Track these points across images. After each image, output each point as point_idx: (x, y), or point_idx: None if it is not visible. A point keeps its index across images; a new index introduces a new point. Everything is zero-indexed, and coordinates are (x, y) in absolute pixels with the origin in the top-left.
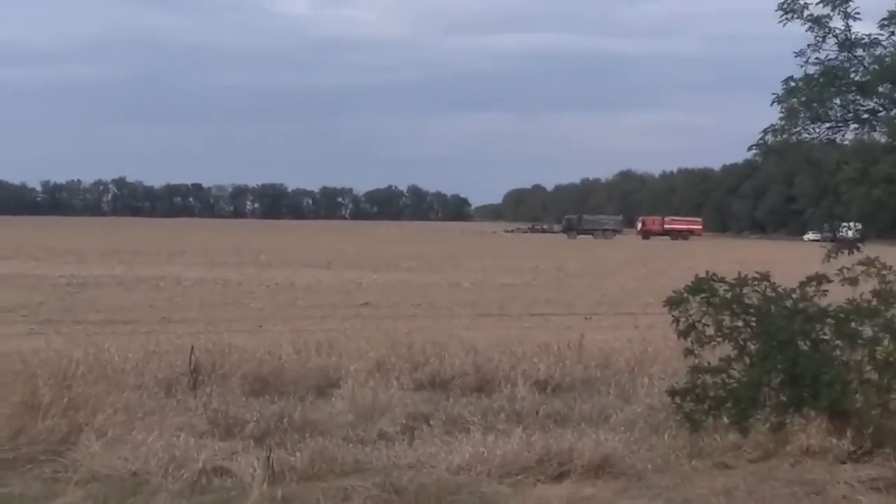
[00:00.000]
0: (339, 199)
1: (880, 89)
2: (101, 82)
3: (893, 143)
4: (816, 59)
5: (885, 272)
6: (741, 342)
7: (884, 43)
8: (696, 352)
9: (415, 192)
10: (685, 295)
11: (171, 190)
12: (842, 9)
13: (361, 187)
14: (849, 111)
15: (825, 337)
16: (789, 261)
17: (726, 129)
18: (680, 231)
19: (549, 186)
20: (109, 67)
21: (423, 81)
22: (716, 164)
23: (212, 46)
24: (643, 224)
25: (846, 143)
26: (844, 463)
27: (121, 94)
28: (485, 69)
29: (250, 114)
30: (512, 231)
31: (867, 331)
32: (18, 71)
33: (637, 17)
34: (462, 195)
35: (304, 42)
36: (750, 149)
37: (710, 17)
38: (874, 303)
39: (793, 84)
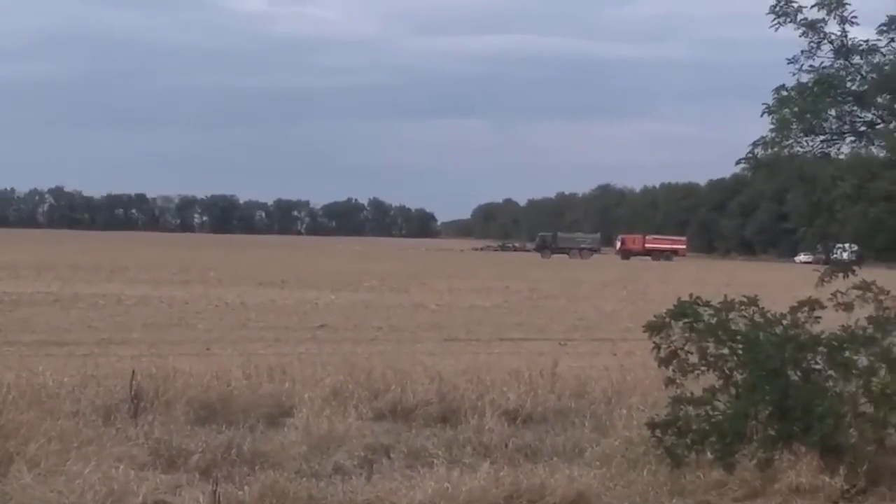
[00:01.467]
0: (295, 213)
1: (878, 100)
2: (37, 82)
3: (892, 157)
4: (811, 66)
5: (882, 297)
6: (727, 371)
7: (882, 50)
8: (678, 381)
9: (377, 205)
10: (667, 320)
11: (112, 201)
12: (838, 13)
13: (319, 200)
14: (845, 123)
15: (817, 366)
16: (780, 284)
17: (715, 141)
18: (662, 251)
19: (522, 201)
20: (46, 67)
21: (388, 86)
22: (702, 179)
23: (160, 45)
24: (623, 243)
25: (842, 157)
26: (837, 502)
27: (60, 95)
28: (457, 73)
29: (200, 119)
30: (481, 249)
31: (862, 360)
32: None
33: (623, 20)
34: (428, 209)
35: (261, 42)
36: (738, 163)
37: (702, 21)
38: (870, 330)
39: (785, 93)
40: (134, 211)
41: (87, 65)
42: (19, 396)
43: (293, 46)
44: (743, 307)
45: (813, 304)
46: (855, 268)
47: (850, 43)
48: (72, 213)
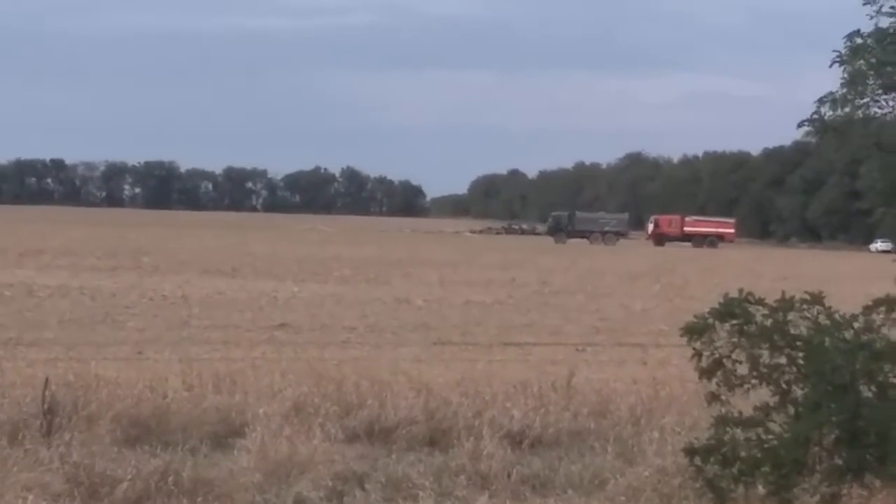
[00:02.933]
0: (250, 185)
1: None
2: None
3: None
4: (892, 7)
5: None
6: (784, 385)
7: None
8: (723, 397)
9: (351, 176)
10: (710, 321)
11: (22, 167)
12: None
13: (279, 169)
14: None
15: None
16: (851, 278)
17: (772, 101)
18: (705, 235)
19: (532, 173)
20: None
21: (369, 29)
22: (755, 148)
23: None
24: (656, 225)
25: None
26: None
27: None
28: (453, 13)
29: (134, 69)
30: (481, 231)
31: None
32: None
33: None
34: (414, 182)
35: None
36: (801, 125)
37: None
38: None
39: (860, 40)
40: (49, 180)
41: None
42: None
43: None
44: (805, 306)
45: (892, 303)
46: None
47: None
48: None
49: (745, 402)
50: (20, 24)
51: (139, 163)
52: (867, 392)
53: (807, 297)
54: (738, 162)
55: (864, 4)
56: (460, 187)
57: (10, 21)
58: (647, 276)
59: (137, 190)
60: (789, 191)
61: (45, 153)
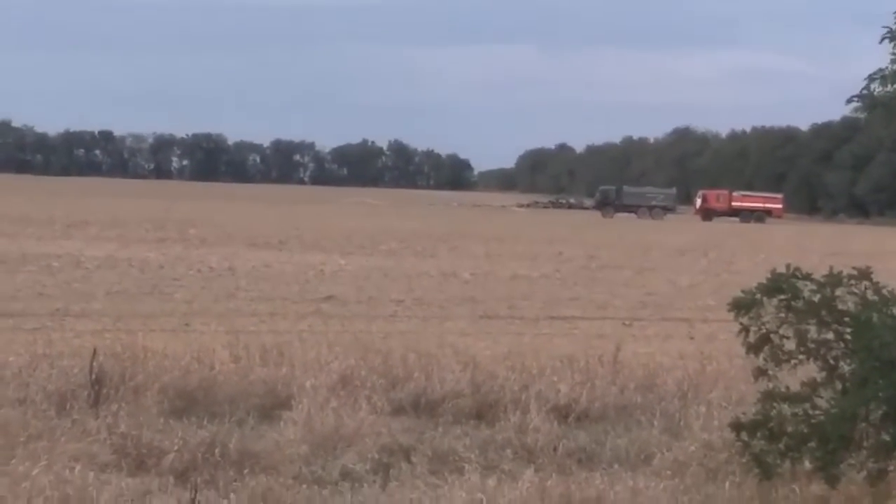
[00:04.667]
0: (297, 157)
1: None
2: None
3: None
4: None
5: None
6: (831, 361)
7: None
8: (770, 372)
9: (399, 149)
10: (758, 296)
11: (71, 139)
12: None
13: (327, 142)
14: None
15: None
16: None
17: (821, 77)
18: (753, 210)
19: (579, 147)
20: None
21: (416, 5)
22: (804, 123)
23: None
24: (704, 200)
25: None
26: None
27: (9, 11)
28: None
29: (181, 41)
30: (528, 205)
31: None
32: None
33: None
34: (462, 156)
35: None
36: (850, 101)
37: None
38: None
39: None
40: (98, 152)
41: None
42: None
43: None
44: (853, 282)
45: None
46: None
47: None
48: (20, 153)
49: (793, 377)
50: None
51: (187, 135)
52: None
53: (854, 272)
54: (787, 137)
55: None
56: (508, 161)
57: None
58: (694, 251)
59: (185, 162)
60: (837, 167)
61: (94, 125)
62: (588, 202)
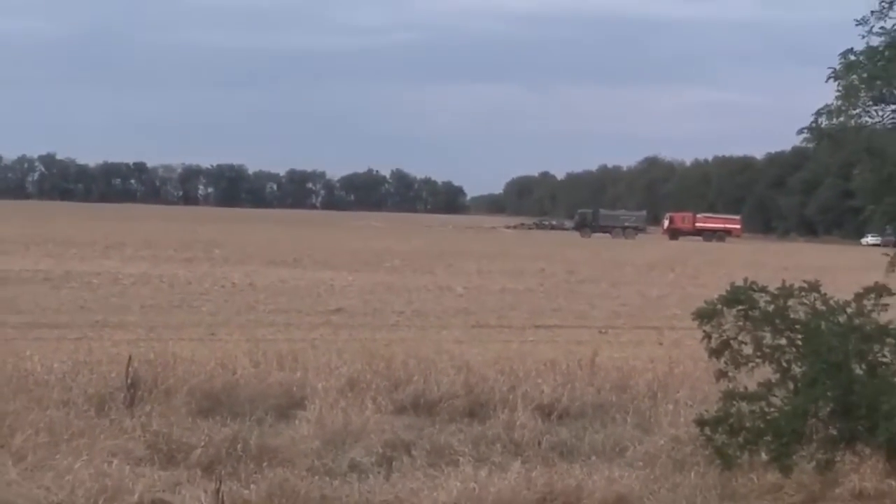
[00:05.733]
0: (310, 185)
1: None
2: (29, 39)
3: None
4: (882, 28)
5: None
6: (784, 364)
7: None
8: (730, 374)
9: (400, 177)
10: (719, 307)
11: (108, 170)
12: None
13: (336, 171)
14: None
15: (885, 359)
16: (844, 269)
17: (774, 111)
18: (714, 231)
19: (560, 175)
20: (39, 22)
21: (413, 47)
22: (759, 153)
23: None
24: (671, 221)
25: None
26: None
27: (52, 53)
28: (488, 33)
29: (207, 81)
30: (514, 227)
31: None
32: None
33: None
34: (456, 183)
35: None
36: (800, 132)
37: None
38: None
39: (853, 58)
40: (132, 181)
41: (84, 20)
42: (5, 383)
43: (312, 3)
44: (803, 293)
45: (881, 291)
46: None
47: None
48: (64, 182)
49: (750, 378)
50: (109, 39)
51: (212, 165)
52: (858, 370)
53: (805, 285)
54: (744, 165)
55: (857, 25)
56: (497, 187)
57: (99, 36)
58: (663, 267)
59: (210, 189)
60: (789, 191)
61: (129, 157)
62: (568, 224)
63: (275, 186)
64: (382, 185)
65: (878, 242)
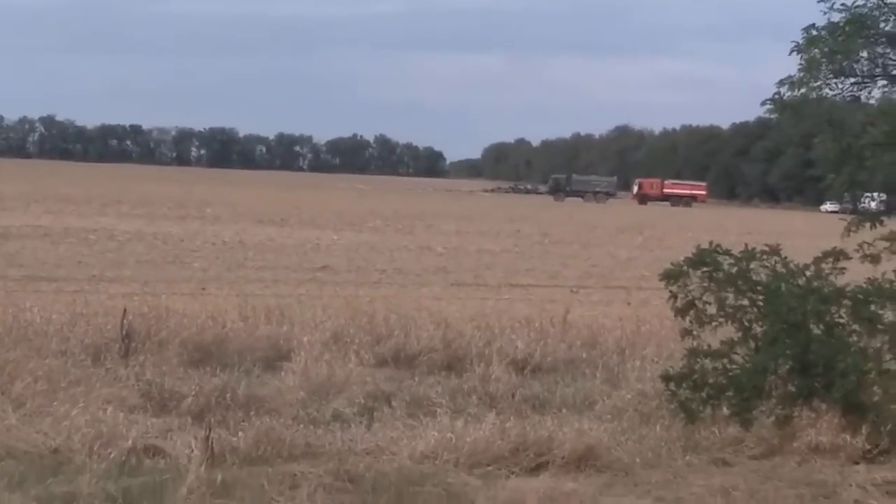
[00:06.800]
0: (297, 148)
1: None
2: (29, 6)
3: None
4: (843, 5)
5: None
6: (746, 323)
7: None
8: (694, 333)
9: (383, 142)
10: (685, 268)
11: (105, 131)
12: None
13: (322, 135)
14: (877, 65)
15: (841, 320)
16: (804, 234)
17: (743, 83)
18: (681, 196)
19: (535, 141)
20: None
21: (398, 17)
22: (724, 123)
23: None
24: (640, 187)
25: (872, 101)
26: (857, 463)
27: (51, 19)
28: (474, 5)
29: (200, 48)
30: (492, 190)
31: (888, 315)
32: None
33: None
34: (436, 148)
35: None
36: (764, 103)
37: None
38: None
39: (815, 32)
40: (128, 143)
41: None
42: (5, 333)
43: None
44: (765, 257)
45: (838, 255)
46: (883, 218)
47: None
48: (63, 143)
49: (713, 337)
50: (108, 8)
51: (204, 128)
52: (816, 330)
53: (766, 249)
54: (710, 134)
55: (819, 2)
56: (475, 153)
57: (99, 5)
58: (632, 230)
59: (203, 152)
60: (753, 159)
61: (126, 119)
62: (542, 188)
63: (264, 149)
64: (366, 150)
65: (837, 210)
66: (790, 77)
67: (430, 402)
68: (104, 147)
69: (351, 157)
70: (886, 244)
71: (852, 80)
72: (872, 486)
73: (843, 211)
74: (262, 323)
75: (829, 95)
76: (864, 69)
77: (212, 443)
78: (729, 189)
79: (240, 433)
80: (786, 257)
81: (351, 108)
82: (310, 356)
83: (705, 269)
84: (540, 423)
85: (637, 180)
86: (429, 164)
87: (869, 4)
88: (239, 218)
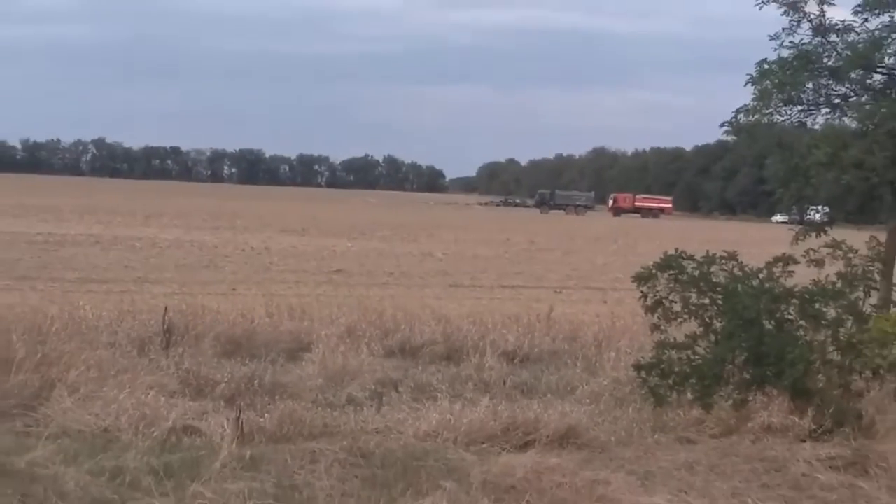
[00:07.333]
0: (316, 167)
1: (852, 75)
2: (86, 43)
3: (863, 128)
4: (791, 42)
5: (850, 255)
6: (707, 319)
7: (857, 29)
8: (662, 328)
9: (391, 162)
10: (654, 271)
11: (149, 152)
12: None
13: (338, 156)
14: (821, 95)
15: (790, 317)
16: (757, 242)
17: (704, 111)
18: (650, 209)
19: (524, 161)
20: (96, 28)
21: (405, 54)
22: (688, 145)
23: (193, 9)
24: (615, 201)
25: (817, 126)
26: (804, 441)
27: (102, 55)
28: (466, 43)
29: (232, 80)
30: (485, 204)
31: (831, 312)
32: (3, 28)
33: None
34: (437, 167)
35: (292, 10)
36: (722, 125)
37: None
38: (839, 285)
39: (767, 66)
40: (169, 162)
41: (131, 29)
42: (62, 328)
43: (321, 16)
44: (723, 261)
45: (787, 260)
46: (826, 228)
47: (827, 22)
48: (112, 162)
49: (679, 331)
50: (151, 44)
51: (235, 149)
52: (768, 325)
53: (724, 254)
54: (676, 155)
55: (771, 40)
56: (471, 171)
57: (143, 41)
58: (607, 239)
59: (234, 170)
60: (713, 177)
61: (167, 141)
62: (530, 202)
63: (287, 168)
64: (376, 168)
65: (786, 221)
66: (745, 105)
67: (431, 387)
68: (148, 166)
69: (363, 174)
70: (829, 250)
71: (799, 107)
72: (817, 462)
73: (791, 222)
74: (285, 319)
75: (779, 121)
76: (810, 98)
77: (242, 423)
78: (692, 203)
79: (266, 415)
80: (741, 262)
81: (363, 132)
82: (327, 348)
83: (671, 272)
84: (528, 407)
85: (612, 195)
86: (431, 180)
87: (814, 42)
88: (265, 228)
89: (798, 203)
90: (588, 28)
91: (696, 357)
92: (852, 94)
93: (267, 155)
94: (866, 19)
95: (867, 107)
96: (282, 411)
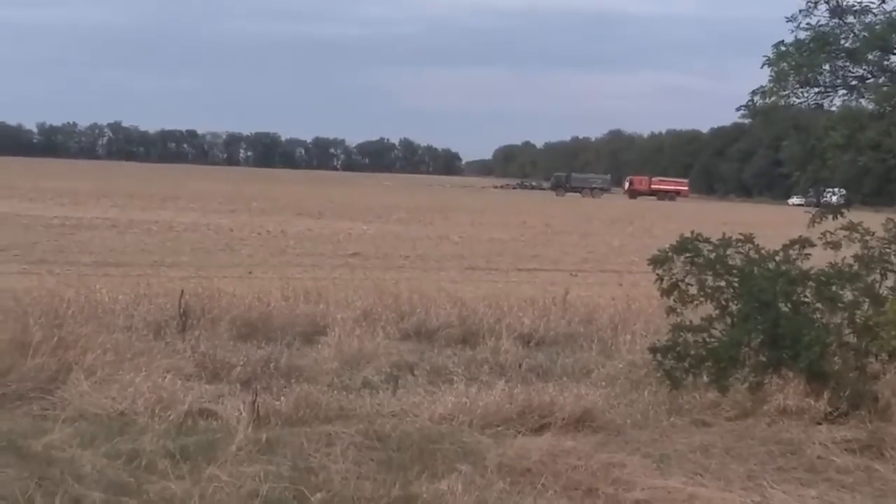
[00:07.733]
0: (332, 150)
1: (869, 57)
2: (103, 26)
3: (881, 110)
4: (808, 24)
5: (867, 238)
6: (723, 302)
7: (874, 11)
8: (678, 310)
9: (406, 145)
10: (670, 254)
11: (165, 135)
12: None
13: (354, 139)
14: (837, 77)
15: (806, 299)
16: (773, 224)
17: (720, 92)
18: (667, 191)
19: (540, 144)
20: (112, 11)
21: (421, 36)
22: (704, 127)
23: None
24: (630, 183)
25: (834, 108)
26: (820, 424)
27: (120, 38)
28: (484, 25)
29: (248, 62)
30: (501, 186)
31: (847, 295)
32: (19, 10)
33: None
34: (453, 149)
35: None
36: (738, 109)
37: None
38: (855, 267)
39: (783, 48)
40: (185, 145)
41: (146, 12)
42: (78, 311)
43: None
44: (739, 244)
45: (803, 243)
46: (843, 210)
47: (844, 3)
48: (128, 146)
49: (694, 314)
50: (169, 28)
51: (251, 133)
52: (784, 308)
53: (741, 237)
54: (692, 137)
55: (787, 21)
56: (487, 153)
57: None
58: (623, 221)
59: (250, 153)
60: (729, 159)
61: (183, 125)
62: (546, 185)
63: (303, 151)
64: (392, 151)
65: (802, 203)
66: (762, 87)
67: (447, 371)
68: (164, 149)
69: (378, 157)
70: (845, 233)
71: (816, 89)
72: (833, 444)
73: (807, 204)
74: (301, 302)
75: (795, 103)
76: (827, 80)
77: (258, 406)
78: (708, 185)
79: (282, 398)
80: (758, 244)
81: (379, 115)
82: (343, 331)
83: (687, 254)
84: (543, 390)
85: (628, 177)
86: (446, 163)
87: (831, 24)
88: (281, 211)
89: (814, 185)
90: (604, 9)
91: (712, 340)
92: (869, 75)
93: (283, 138)
94: (883, 0)
95: (884, 88)
96: (297, 394)
